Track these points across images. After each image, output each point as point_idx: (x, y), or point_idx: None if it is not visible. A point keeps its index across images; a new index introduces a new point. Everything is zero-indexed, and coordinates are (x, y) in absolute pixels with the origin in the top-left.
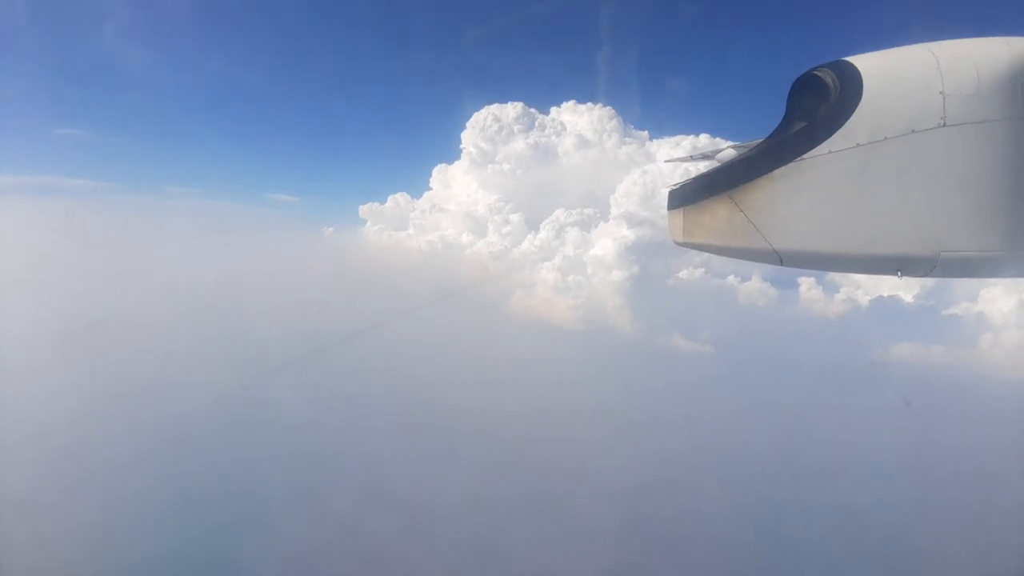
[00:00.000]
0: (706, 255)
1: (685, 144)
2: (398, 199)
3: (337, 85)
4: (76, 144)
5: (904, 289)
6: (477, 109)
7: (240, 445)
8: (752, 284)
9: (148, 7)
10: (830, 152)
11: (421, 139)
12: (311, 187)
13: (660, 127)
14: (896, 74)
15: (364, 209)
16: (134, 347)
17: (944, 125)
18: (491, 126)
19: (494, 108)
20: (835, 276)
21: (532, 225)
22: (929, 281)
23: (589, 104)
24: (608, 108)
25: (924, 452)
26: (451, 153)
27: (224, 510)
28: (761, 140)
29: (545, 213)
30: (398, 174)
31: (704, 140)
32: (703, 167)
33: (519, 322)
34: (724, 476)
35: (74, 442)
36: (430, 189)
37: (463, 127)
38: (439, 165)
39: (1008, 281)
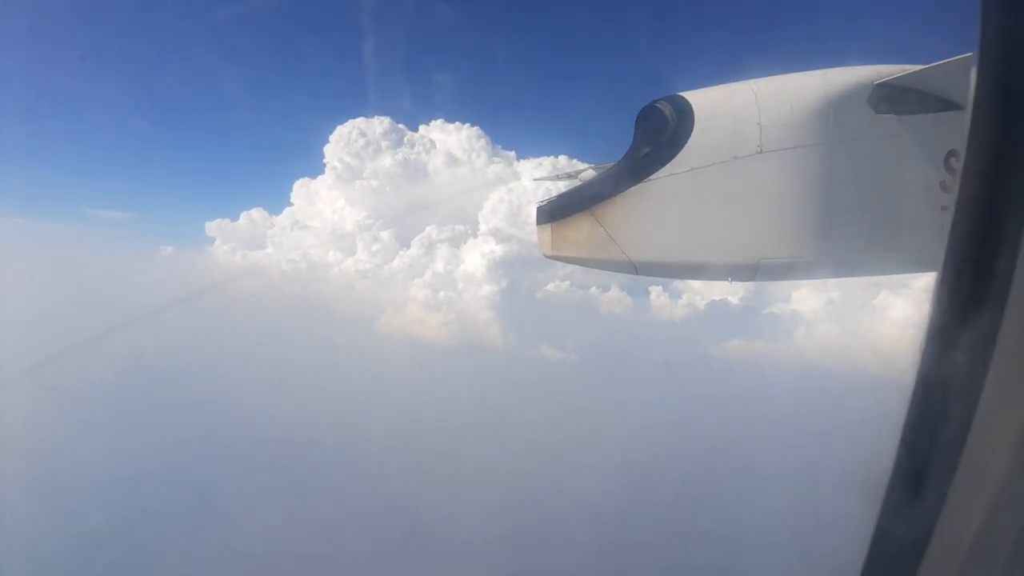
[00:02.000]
0: (571, 267)
1: (546, 164)
2: (253, 215)
3: (183, 88)
4: None
5: (732, 293)
6: (341, 123)
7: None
8: (611, 294)
9: None
10: (671, 175)
11: (278, 151)
12: (146, 202)
13: (526, 148)
14: (721, 108)
15: (212, 226)
16: None
17: (761, 152)
18: (357, 140)
19: (360, 122)
20: (679, 283)
21: (403, 242)
22: (751, 285)
23: (458, 123)
24: (476, 128)
25: (757, 438)
26: (313, 167)
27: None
28: (615, 163)
29: (416, 230)
30: (253, 188)
31: (563, 161)
32: (567, 185)
33: (390, 341)
34: (593, 473)
35: None
36: (291, 205)
37: (325, 140)
38: (301, 179)
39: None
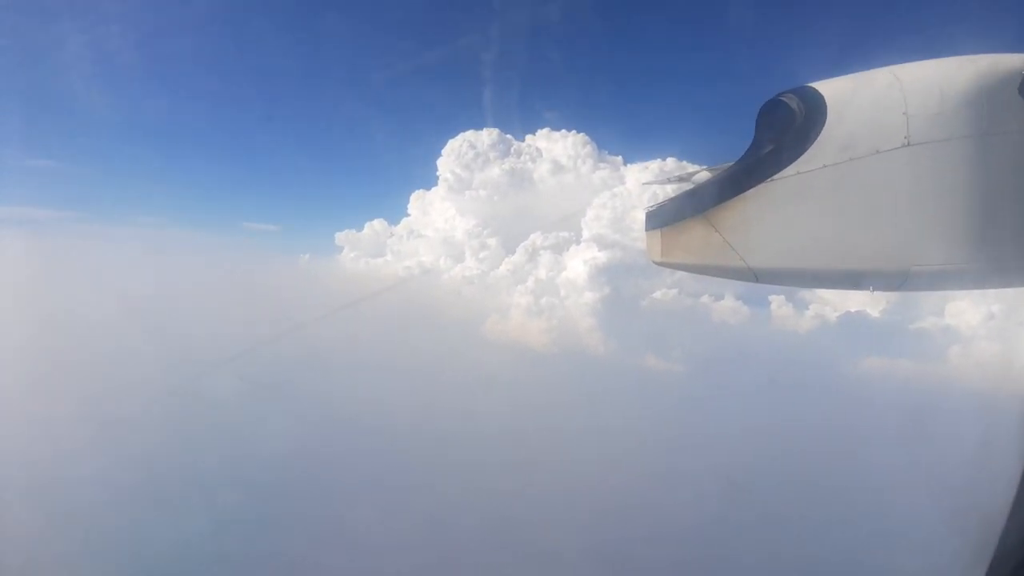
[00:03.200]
0: (680, 274)
1: (652, 167)
2: (375, 226)
3: (315, 114)
4: (48, 175)
5: (871, 304)
6: (452, 136)
7: (222, 470)
8: (725, 303)
9: (116, 43)
10: (799, 173)
11: (397, 166)
12: (289, 216)
13: (633, 152)
14: (859, 97)
15: (340, 236)
16: (108, 381)
17: (908, 144)
18: (467, 152)
19: (469, 135)
20: (805, 293)
21: (509, 249)
22: (894, 296)
23: (563, 131)
24: (582, 135)
25: (896, 463)
26: (428, 179)
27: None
28: (733, 162)
29: (522, 237)
30: (375, 201)
31: (671, 163)
32: (677, 189)
33: (494, 346)
34: (699, 493)
35: (55, 479)
36: (408, 215)
37: (439, 154)
38: (417, 191)
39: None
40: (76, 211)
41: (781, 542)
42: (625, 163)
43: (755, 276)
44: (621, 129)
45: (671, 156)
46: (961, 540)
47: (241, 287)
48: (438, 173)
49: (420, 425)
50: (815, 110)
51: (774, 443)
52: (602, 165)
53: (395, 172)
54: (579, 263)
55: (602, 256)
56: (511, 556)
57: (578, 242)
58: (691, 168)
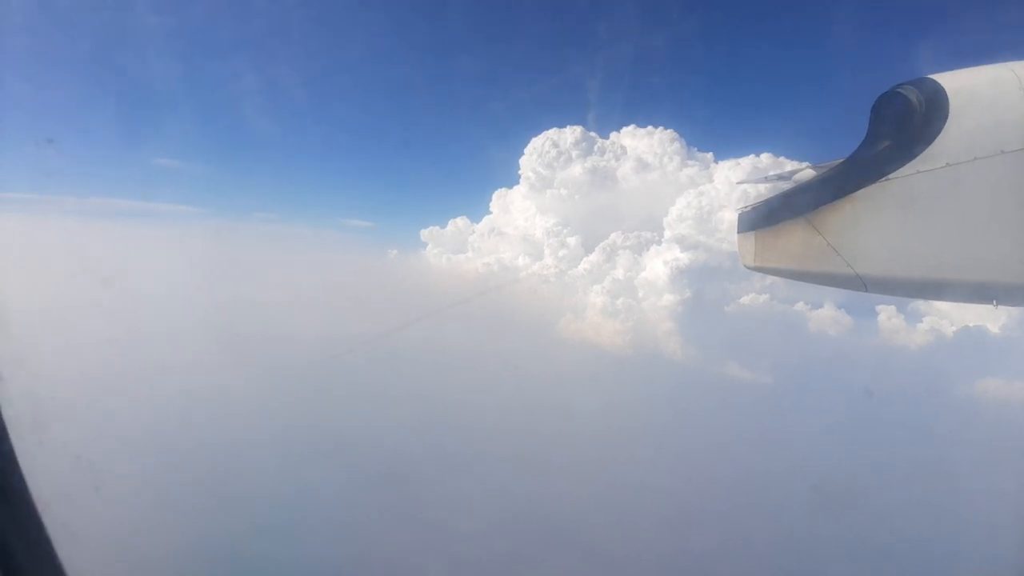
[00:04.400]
0: (773, 280)
1: (745, 164)
2: (458, 223)
3: (405, 114)
4: (172, 173)
5: (992, 319)
6: (536, 134)
7: (300, 457)
8: (824, 312)
9: (232, 49)
10: (918, 172)
11: (482, 164)
12: (381, 213)
13: (725, 148)
14: (981, 93)
15: (425, 233)
16: (221, 363)
17: None
18: (549, 151)
19: (552, 133)
20: (919, 304)
21: (589, 248)
22: (1017, 311)
23: (650, 127)
24: (670, 131)
25: (1007, 492)
26: (510, 178)
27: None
28: (841, 160)
29: (602, 236)
30: (459, 199)
31: (765, 159)
32: (774, 188)
33: (568, 345)
34: (776, 513)
35: (156, 472)
36: (490, 213)
37: (522, 152)
38: (499, 190)
39: None
40: (197, 207)
41: (863, 562)
42: (716, 160)
43: (864, 285)
44: (713, 124)
45: (766, 152)
46: None
47: (338, 280)
48: (520, 172)
49: (487, 420)
50: (937, 104)
51: (866, 464)
52: (690, 162)
53: (479, 170)
54: (659, 264)
55: (684, 257)
56: (574, 557)
57: (659, 242)
58: (789, 165)
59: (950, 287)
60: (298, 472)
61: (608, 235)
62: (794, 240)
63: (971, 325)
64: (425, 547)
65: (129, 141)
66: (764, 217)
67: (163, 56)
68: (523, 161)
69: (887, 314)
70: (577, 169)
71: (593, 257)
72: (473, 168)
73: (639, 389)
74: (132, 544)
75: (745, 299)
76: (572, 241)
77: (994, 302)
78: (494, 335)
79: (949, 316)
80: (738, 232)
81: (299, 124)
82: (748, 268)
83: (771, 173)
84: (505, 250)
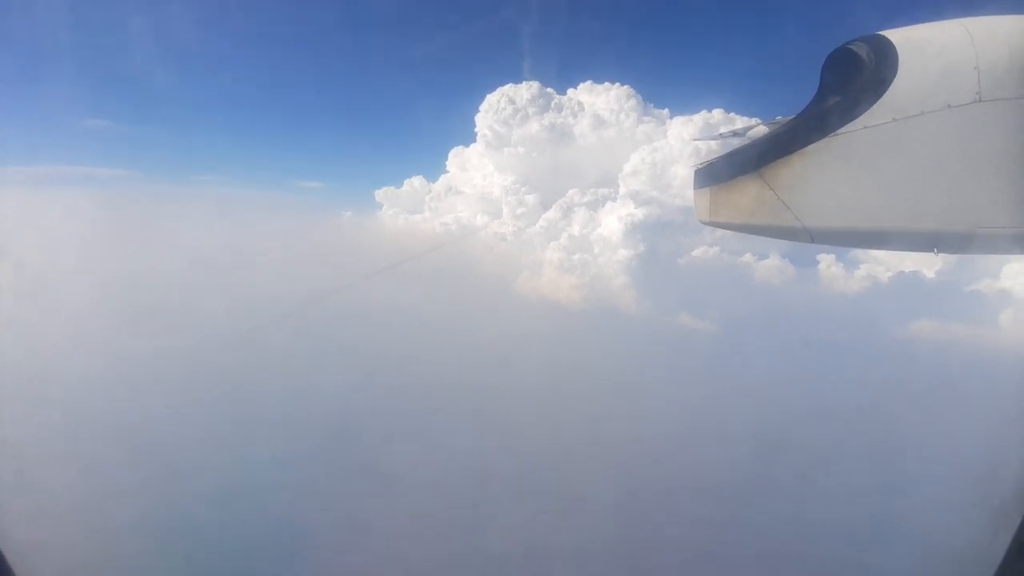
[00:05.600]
0: (722, 233)
1: (697, 120)
2: (414, 183)
3: (355, 71)
4: (104, 135)
5: (927, 265)
6: (491, 90)
7: (247, 424)
8: (770, 262)
9: (171, 4)
10: (865, 127)
11: (436, 122)
12: (334, 173)
13: (680, 104)
14: (931, 48)
15: (380, 194)
16: (161, 333)
17: (980, 100)
18: (506, 108)
19: (508, 89)
20: (856, 252)
21: (547, 206)
22: (952, 257)
23: (607, 83)
24: (626, 87)
25: (936, 431)
26: (467, 136)
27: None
28: (792, 116)
29: (560, 194)
30: (413, 158)
31: (717, 115)
32: (727, 144)
33: (526, 301)
34: (726, 458)
35: (101, 432)
36: (446, 172)
37: (477, 110)
38: (456, 148)
39: None
40: (133, 170)
41: (810, 504)
42: (671, 116)
43: (811, 236)
44: (667, 79)
45: (718, 108)
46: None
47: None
48: (476, 129)
49: (449, 379)
50: (886, 60)
51: (806, 406)
52: (646, 119)
53: (435, 128)
54: (614, 220)
55: (639, 213)
56: (534, 510)
57: (615, 199)
58: (739, 121)
59: (893, 237)
60: (251, 438)
61: (566, 192)
62: (747, 195)
63: (906, 271)
64: (380, 504)
65: (54, 101)
66: (718, 173)
67: (89, 3)
68: (479, 118)
69: (827, 263)
70: (534, 126)
71: (550, 215)
72: (428, 126)
73: (596, 343)
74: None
75: (697, 252)
76: (530, 199)
77: (935, 250)
78: (452, 294)
79: (885, 263)
80: (694, 188)
81: (243, 78)
82: (703, 223)
83: (725, 130)
84: (463, 209)
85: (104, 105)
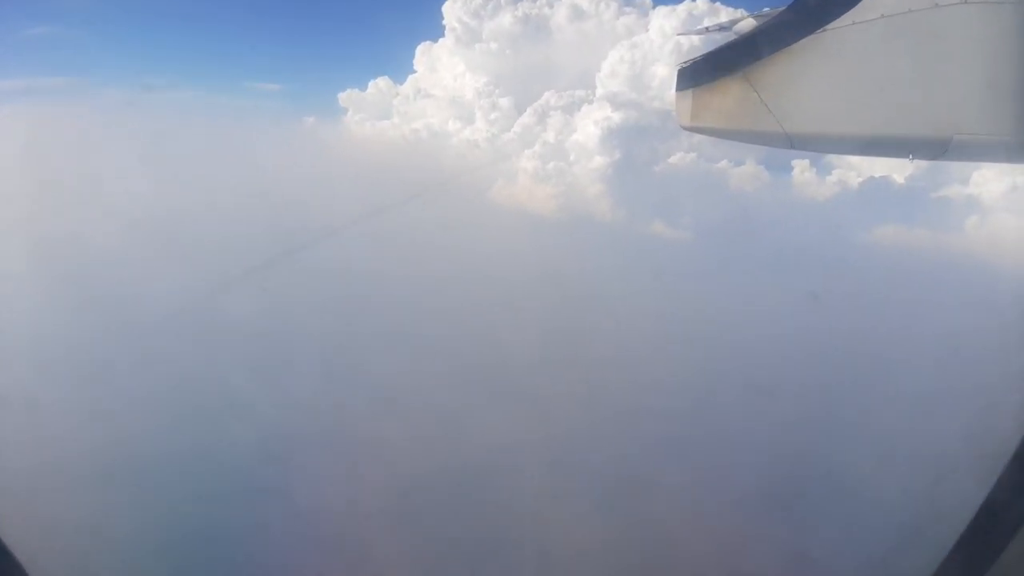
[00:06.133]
0: (700, 138)
1: (681, 10)
2: (380, 84)
3: None
4: (49, 42)
5: (898, 170)
6: None
7: (213, 350)
8: (746, 168)
9: None
10: (853, 23)
11: (400, 15)
12: (293, 74)
13: None
14: None
15: (343, 97)
16: (118, 248)
17: (966, 1)
18: None
19: None
20: (831, 158)
21: (521, 110)
22: (923, 163)
23: None
24: None
25: (896, 336)
26: (434, 29)
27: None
28: (780, 9)
29: (535, 96)
30: (378, 55)
31: (702, 5)
32: (706, 40)
33: (500, 211)
34: (695, 358)
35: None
36: (414, 72)
37: None
38: (423, 43)
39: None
40: (77, 76)
41: (777, 409)
42: (654, 5)
43: (790, 142)
44: None
45: None
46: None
47: (248, 153)
48: (444, 22)
49: (423, 292)
50: None
51: (770, 310)
52: (627, 9)
53: (398, 21)
54: (591, 125)
55: (615, 117)
56: (509, 423)
57: (591, 101)
58: (724, 12)
59: (873, 142)
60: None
61: (541, 95)
62: (729, 98)
63: (876, 176)
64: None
65: None
66: (702, 74)
67: None
68: (447, 8)
69: (801, 168)
70: (507, 18)
71: (525, 119)
72: (392, 17)
73: (570, 253)
74: None
75: (673, 159)
76: (504, 103)
77: (910, 156)
78: (424, 205)
79: (857, 168)
80: (676, 90)
81: None
82: (684, 128)
83: (711, 24)
84: (433, 114)
85: (43, 10)
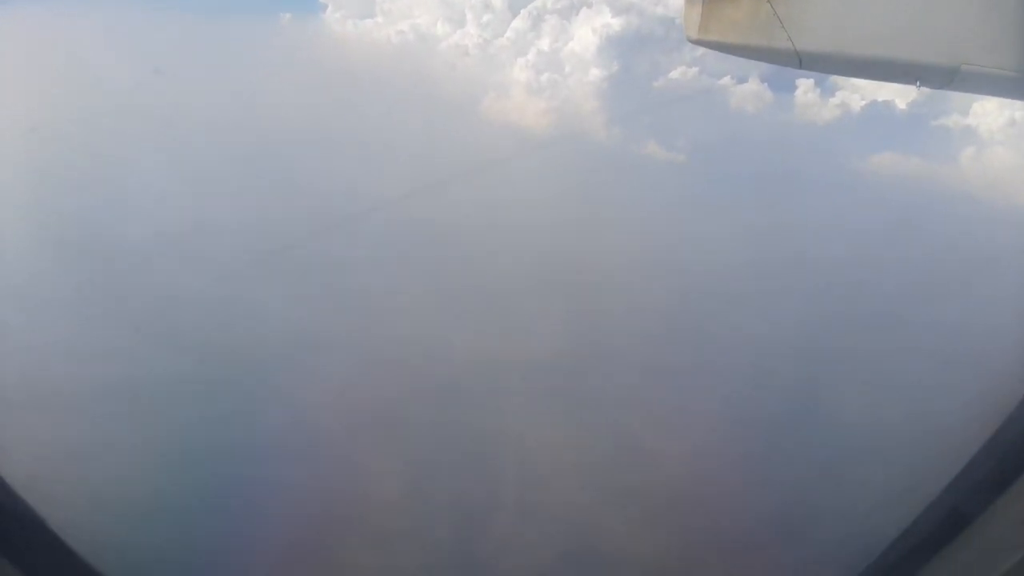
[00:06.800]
0: (701, 51)
1: None
2: None
3: None
4: None
5: (900, 95)
6: None
7: (202, 283)
8: (748, 87)
9: None
10: None
11: None
12: None
13: None
14: None
15: None
16: (95, 151)
17: None
18: None
19: None
20: (836, 78)
21: (516, 12)
22: (927, 89)
23: None
24: None
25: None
26: None
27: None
28: None
29: None
30: None
31: None
32: None
33: (491, 126)
34: (677, 288)
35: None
36: None
37: None
38: None
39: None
40: None
41: (764, 347)
42: None
43: (799, 61)
44: None
45: None
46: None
47: (218, 55)
48: None
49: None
50: None
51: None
52: None
53: None
54: (588, 32)
55: (615, 23)
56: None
57: (590, 4)
58: None
59: (882, 66)
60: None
61: None
62: (741, 10)
63: (879, 100)
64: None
65: None
66: None
67: None
68: None
69: (804, 88)
70: None
71: (518, 23)
72: None
73: (560, 175)
74: None
75: (675, 73)
76: (497, 3)
77: (917, 83)
78: (409, 120)
79: (861, 90)
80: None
81: None
82: (691, 41)
83: None
84: (421, 14)
85: None
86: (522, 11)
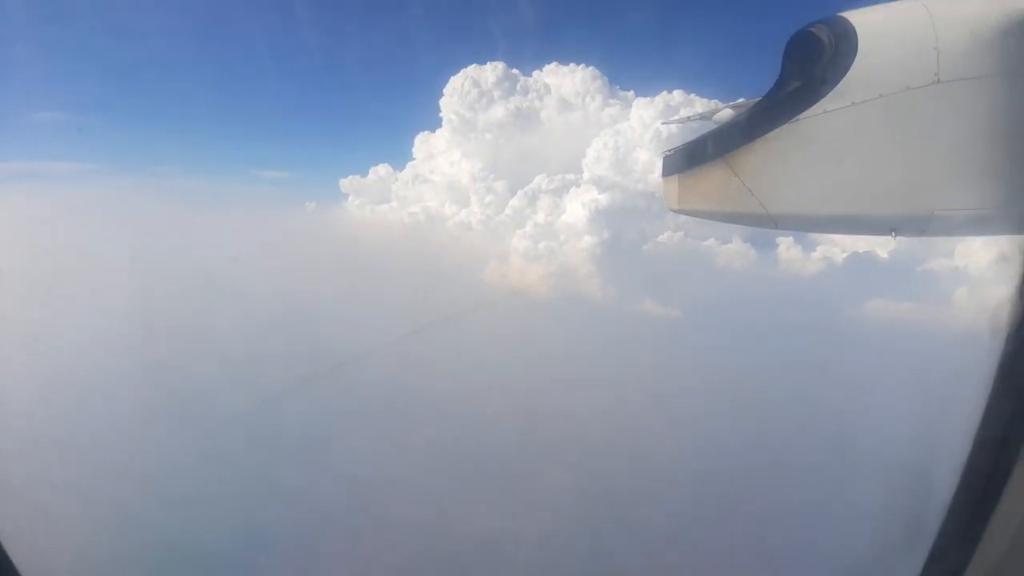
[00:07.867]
0: (684, 219)
1: (658, 101)
2: (379, 171)
3: (317, 57)
4: (58, 127)
5: (881, 245)
6: (455, 72)
7: (228, 424)
8: (732, 247)
9: None
10: (825, 112)
11: (400, 107)
12: (297, 162)
13: (645, 86)
14: (890, 29)
15: (345, 183)
16: (133, 332)
17: (938, 81)
18: (471, 91)
19: (472, 70)
20: (814, 235)
21: (515, 193)
22: (906, 238)
23: (572, 64)
24: (591, 68)
25: (892, 408)
26: (431, 121)
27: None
28: (756, 100)
29: (527, 180)
30: (378, 144)
31: (678, 96)
32: (686, 128)
33: (493, 291)
34: (695, 434)
35: (75, 437)
36: (413, 159)
37: (441, 93)
38: (421, 134)
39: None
40: (88, 163)
41: (779, 483)
42: (637, 96)
43: (775, 223)
44: (632, 61)
45: (678, 89)
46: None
47: (254, 236)
48: (442, 114)
49: (418, 371)
50: (846, 43)
51: (764, 386)
52: (612, 101)
53: (400, 113)
54: (578, 206)
55: (602, 199)
56: (507, 499)
57: (579, 184)
58: (699, 103)
59: (854, 222)
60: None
61: (533, 178)
62: (713, 182)
63: (860, 251)
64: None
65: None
66: (686, 160)
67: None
68: (444, 103)
69: (786, 245)
70: (500, 110)
71: (516, 202)
72: (393, 110)
73: (561, 333)
74: None
75: (662, 237)
76: (498, 186)
77: (892, 233)
78: (420, 286)
79: (840, 244)
80: (662, 176)
81: (199, 64)
82: (672, 211)
83: (692, 113)
84: (431, 198)
85: (55, 97)
86: (519, 191)
